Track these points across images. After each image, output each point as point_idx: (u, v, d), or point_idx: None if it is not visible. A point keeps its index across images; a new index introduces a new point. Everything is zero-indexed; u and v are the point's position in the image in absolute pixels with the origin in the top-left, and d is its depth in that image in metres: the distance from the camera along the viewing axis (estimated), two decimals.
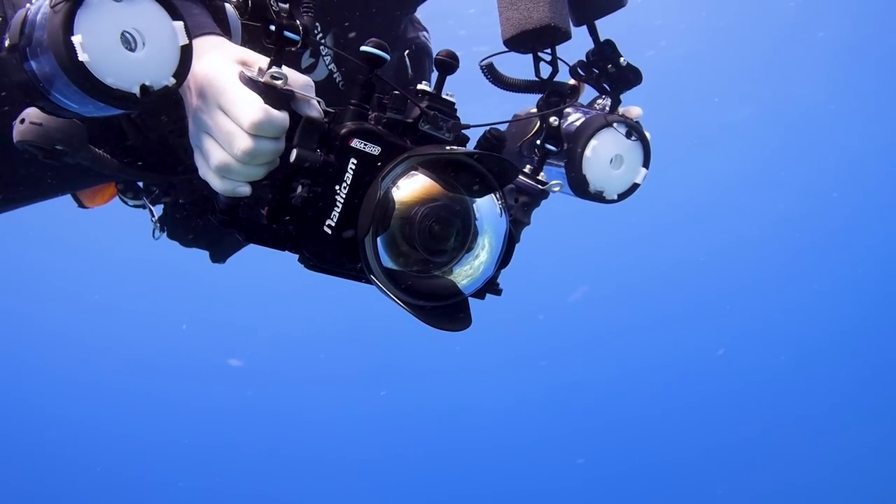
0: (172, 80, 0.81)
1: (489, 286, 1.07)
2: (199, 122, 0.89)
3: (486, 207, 0.95)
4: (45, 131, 1.16)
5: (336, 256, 0.93)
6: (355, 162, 0.90)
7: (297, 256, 0.98)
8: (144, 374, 13.08)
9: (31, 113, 1.15)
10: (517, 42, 1.07)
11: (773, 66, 12.32)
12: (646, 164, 1.19)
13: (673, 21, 11.18)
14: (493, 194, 0.94)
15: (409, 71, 1.76)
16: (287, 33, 0.85)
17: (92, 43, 0.75)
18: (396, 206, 0.89)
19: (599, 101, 1.32)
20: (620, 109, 1.30)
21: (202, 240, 1.59)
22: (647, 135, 1.30)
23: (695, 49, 11.80)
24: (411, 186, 0.90)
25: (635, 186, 1.19)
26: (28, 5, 0.84)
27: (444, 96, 0.99)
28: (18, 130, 1.16)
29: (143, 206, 1.65)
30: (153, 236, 1.62)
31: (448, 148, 0.90)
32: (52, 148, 1.19)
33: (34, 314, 13.17)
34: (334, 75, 1.64)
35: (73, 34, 0.74)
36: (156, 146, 1.37)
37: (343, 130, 0.89)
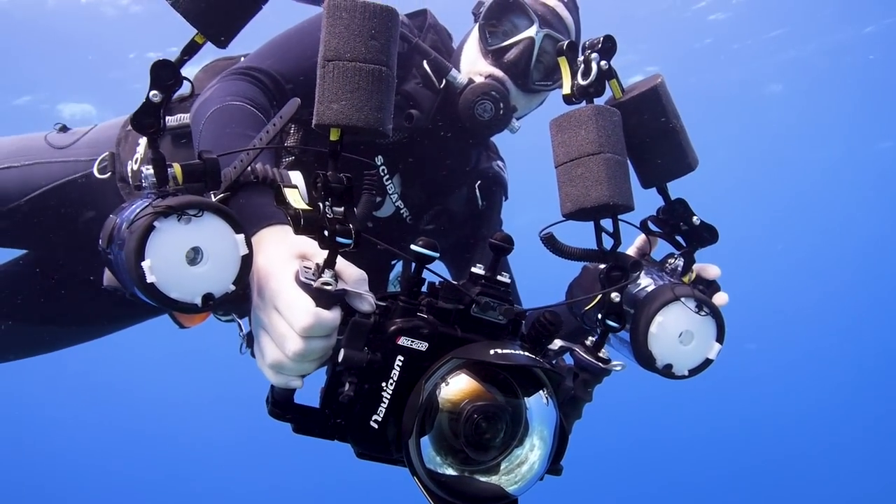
0: (232, 287, 0.87)
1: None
2: (257, 318, 0.94)
3: (534, 402, 0.92)
4: None
5: (384, 448, 0.94)
6: (402, 359, 0.91)
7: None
8: None
9: None
10: (576, 216, 1.06)
11: None
12: (720, 339, 1.11)
13: None
14: (541, 390, 0.92)
15: (480, 201, 1.78)
16: (340, 239, 0.89)
17: (159, 266, 0.82)
18: (442, 403, 0.89)
19: (671, 259, 1.26)
20: (696, 268, 1.24)
21: None
22: (724, 297, 1.22)
23: None
24: (459, 384, 0.89)
25: (708, 362, 1.11)
26: (115, 217, 0.93)
27: (498, 278, 0.98)
28: (106, 276, 1.29)
29: (233, 321, 1.75)
30: (240, 351, 1.71)
31: (493, 352, 0.88)
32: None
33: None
34: (401, 211, 1.69)
35: (143, 259, 0.81)
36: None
37: (391, 328, 0.91)
